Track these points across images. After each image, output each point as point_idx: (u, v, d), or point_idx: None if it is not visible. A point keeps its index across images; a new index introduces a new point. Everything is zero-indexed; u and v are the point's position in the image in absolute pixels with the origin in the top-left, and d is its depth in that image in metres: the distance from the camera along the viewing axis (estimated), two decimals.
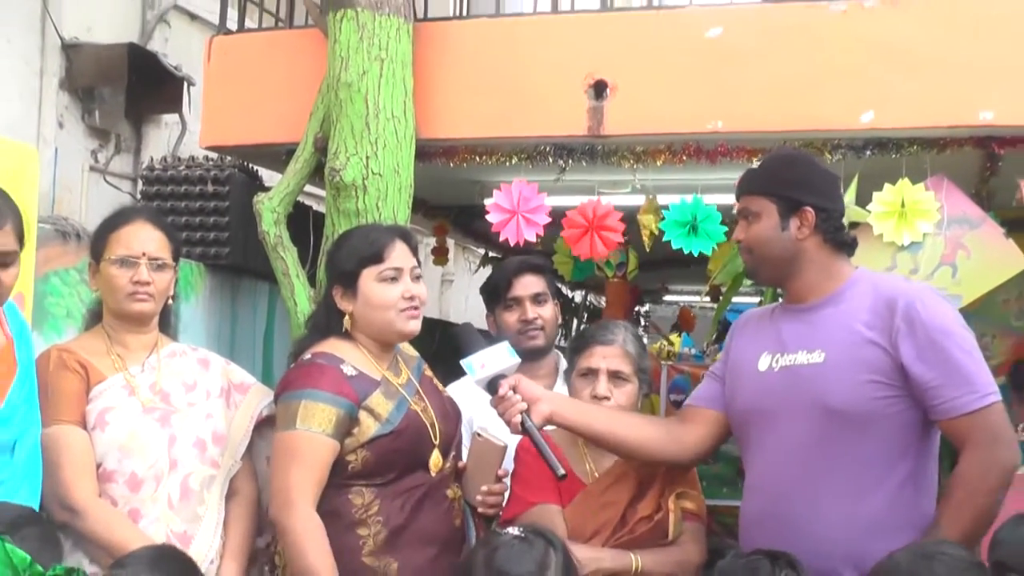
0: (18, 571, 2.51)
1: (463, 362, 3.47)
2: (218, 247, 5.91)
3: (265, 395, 3.77)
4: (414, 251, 3.60)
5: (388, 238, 3.54)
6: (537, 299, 4.49)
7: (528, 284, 4.50)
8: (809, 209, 3.42)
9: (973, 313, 5.71)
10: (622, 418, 3.63)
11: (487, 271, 8.27)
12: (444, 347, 3.71)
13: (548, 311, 4.50)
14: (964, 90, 4.77)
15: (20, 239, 3.14)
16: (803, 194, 3.44)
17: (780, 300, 3.69)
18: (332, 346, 3.50)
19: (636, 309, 10.42)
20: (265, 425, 3.73)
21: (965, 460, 3.22)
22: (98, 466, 3.36)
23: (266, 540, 3.71)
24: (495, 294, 4.62)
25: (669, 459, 3.62)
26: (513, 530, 2.99)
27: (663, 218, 5.20)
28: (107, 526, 3.26)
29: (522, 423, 3.36)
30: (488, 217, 5.29)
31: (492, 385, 3.43)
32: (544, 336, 4.42)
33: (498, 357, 3.47)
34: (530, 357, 4.34)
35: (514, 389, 3.41)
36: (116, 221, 3.58)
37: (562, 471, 3.33)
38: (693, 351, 8.99)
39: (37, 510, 3.26)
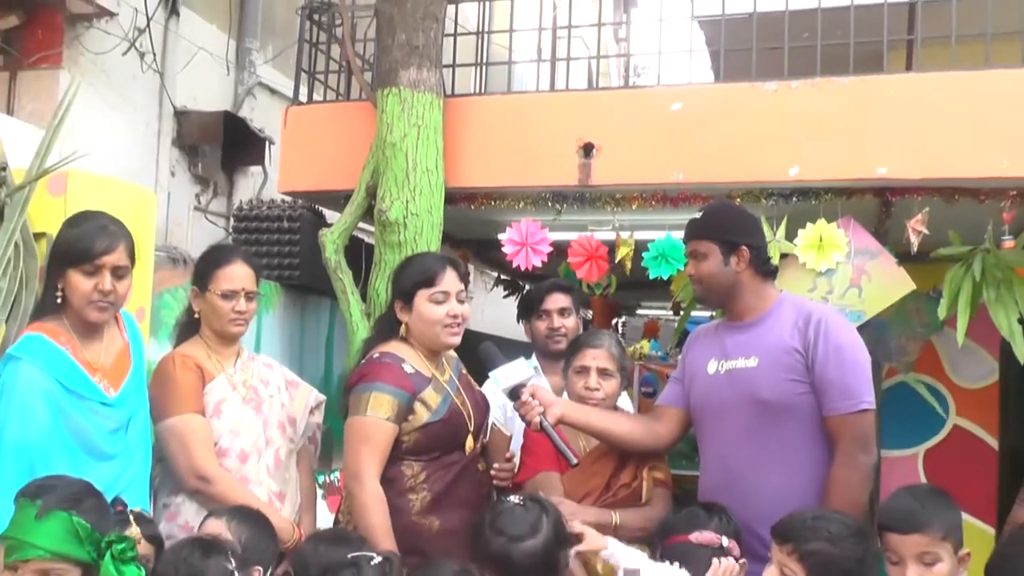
0: (82, 540, 2.50)
1: (491, 374, 3.50)
2: (291, 270, 5.93)
3: (310, 391, 3.88)
4: (462, 278, 3.57)
5: (441, 266, 3.51)
6: (563, 312, 4.50)
7: (556, 300, 4.51)
8: (744, 248, 3.45)
9: (893, 321, 5.78)
10: (613, 417, 3.66)
11: (499, 290, 8.31)
12: (472, 360, 3.73)
13: (571, 322, 4.50)
14: (865, 151, 4.81)
15: (132, 257, 3.20)
16: (738, 236, 3.47)
17: (723, 318, 3.70)
18: (394, 347, 3.50)
19: (615, 320, 10.43)
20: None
21: (836, 461, 3.26)
22: (215, 444, 3.46)
23: None
24: (530, 307, 4.65)
25: (649, 449, 3.65)
26: (514, 498, 3.03)
27: (632, 251, 5.24)
28: (232, 490, 3.38)
29: (540, 423, 3.38)
30: (503, 248, 5.32)
31: (514, 392, 3.44)
32: (567, 342, 4.37)
33: (518, 370, 3.49)
34: (555, 357, 4.38)
35: (532, 396, 3.41)
36: (219, 259, 3.65)
37: (575, 461, 3.36)
38: (659, 353, 9.00)
39: (148, 473, 3.35)
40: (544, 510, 2.94)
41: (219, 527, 3.01)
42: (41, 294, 3.30)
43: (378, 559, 2.72)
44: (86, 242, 3.10)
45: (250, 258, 3.76)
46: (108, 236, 3.12)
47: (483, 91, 5.91)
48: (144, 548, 2.84)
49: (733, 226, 3.50)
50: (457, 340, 3.53)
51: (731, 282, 3.47)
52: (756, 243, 3.49)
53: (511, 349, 3.84)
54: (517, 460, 3.77)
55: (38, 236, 3.60)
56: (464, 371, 3.73)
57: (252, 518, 3.10)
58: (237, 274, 3.61)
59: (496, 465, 3.70)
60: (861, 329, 3.98)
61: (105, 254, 3.10)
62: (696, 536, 3.05)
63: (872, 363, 3.44)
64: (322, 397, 3.90)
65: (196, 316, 3.67)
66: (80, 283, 3.10)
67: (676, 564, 2.98)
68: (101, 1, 6.24)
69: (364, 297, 5.33)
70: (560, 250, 5.43)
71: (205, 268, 3.65)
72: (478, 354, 3.57)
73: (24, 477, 2.83)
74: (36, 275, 3.44)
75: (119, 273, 3.14)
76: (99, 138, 6.09)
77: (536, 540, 2.86)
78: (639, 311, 11.39)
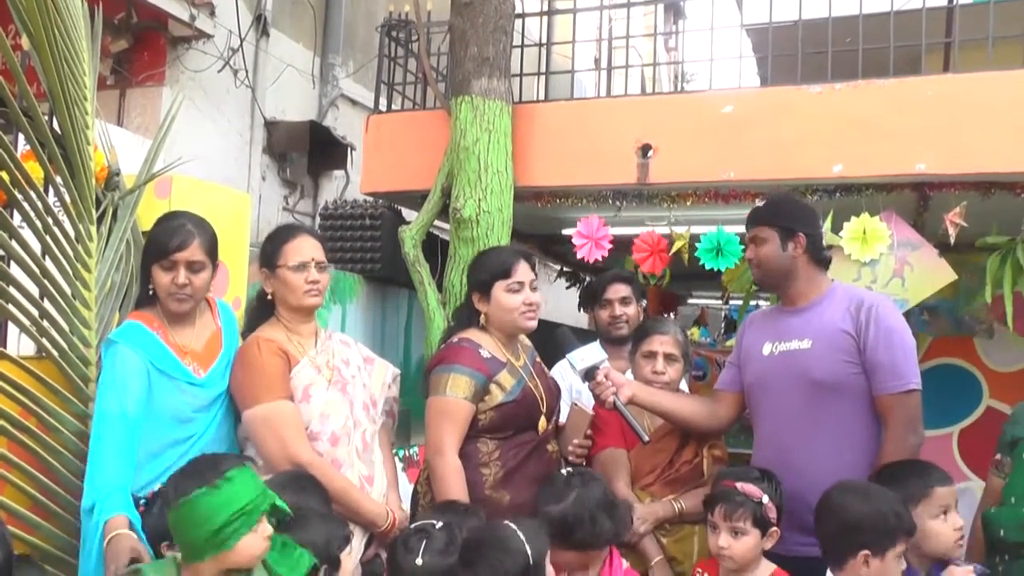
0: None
1: (568, 356, 3.43)
2: (372, 264, 5.92)
3: (387, 367, 3.64)
4: (533, 268, 3.53)
5: (515, 259, 3.47)
6: (624, 301, 4.41)
7: (618, 290, 4.42)
8: (801, 235, 3.38)
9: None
10: (679, 399, 3.60)
11: (561, 281, 8.26)
12: (545, 345, 3.67)
13: (632, 310, 4.42)
14: (905, 149, 4.69)
15: (210, 252, 3.16)
16: (797, 224, 3.40)
17: (777, 304, 3.63)
18: (472, 334, 3.46)
19: (670, 310, 10.33)
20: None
21: (886, 439, 3.19)
22: (305, 429, 3.22)
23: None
24: (593, 297, 4.58)
25: (711, 430, 3.59)
26: (565, 471, 3.09)
27: (687, 245, 5.17)
28: (327, 475, 3.13)
29: (613, 402, 3.34)
30: (572, 240, 5.26)
31: (588, 374, 3.38)
32: (628, 329, 4.32)
33: (593, 353, 3.44)
34: (616, 343, 4.31)
35: (606, 377, 3.37)
36: (286, 235, 3.42)
37: (647, 438, 3.33)
38: (708, 340, 8.91)
39: (233, 446, 3.29)
40: (588, 480, 3.01)
41: None
42: (139, 287, 3.31)
43: (440, 524, 2.70)
44: (163, 241, 3.10)
45: (314, 231, 3.56)
46: (182, 234, 3.10)
47: (547, 98, 5.85)
48: None
49: (792, 215, 3.44)
50: (534, 324, 3.48)
51: (787, 267, 3.40)
52: (812, 232, 3.42)
53: (576, 335, 3.77)
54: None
55: (146, 235, 3.62)
56: (538, 359, 3.67)
57: (294, 482, 2.94)
58: (305, 245, 3.37)
59: (576, 440, 3.66)
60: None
61: (179, 251, 3.08)
62: (742, 485, 3.02)
63: None
64: (397, 371, 3.66)
65: (269, 298, 3.41)
66: (160, 277, 3.11)
67: (719, 505, 3.03)
68: (199, 24, 6.30)
69: (440, 287, 5.31)
70: (619, 244, 5.36)
71: (272, 247, 3.39)
72: (554, 338, 3.52)
73: (121, 443, 2.89)
74: None
75: (195, 268, 3.12)
76: (198, 147, 6.14)
77: (565, 503, 2.91)
78: (689, 300, 11.29)
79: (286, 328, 3.38)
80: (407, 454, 5.58)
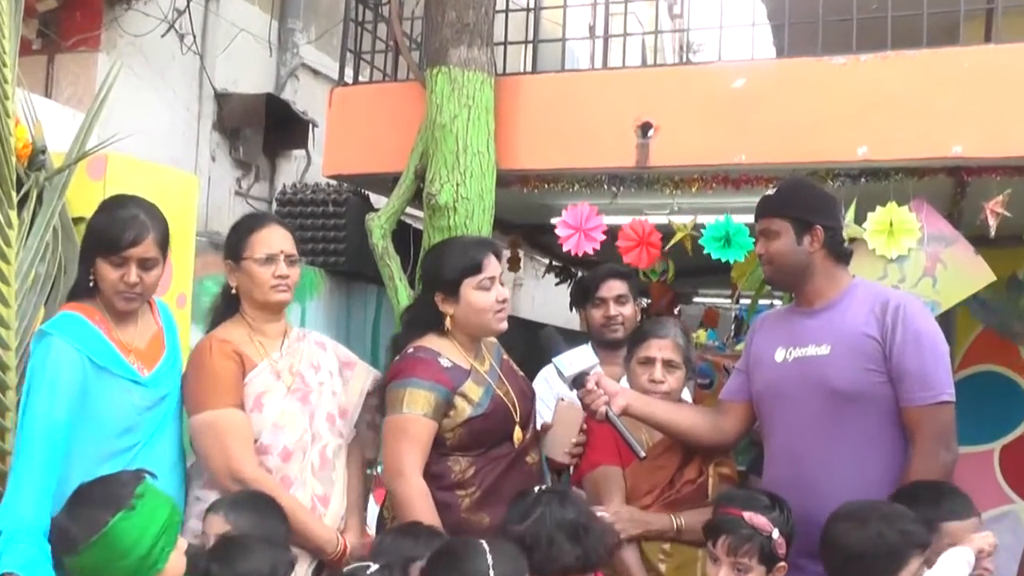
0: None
1: (554, 360, 3.43)
2: (336, 256, 5.93)
3: (369, 372, 3.66)
4: (500, 260, 3.53)
5: (483, 252, 3.46)
6: (619, 300, 4.41)
7: (613, 287, 4.43)
8: (819, 227, 3.36)
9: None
10: (679, 410, 3.59)
11: (551, 276, 8.26)
12: (531, 348, 3.66)
13: (628, 310, 4.42)
14: (939, 128, 4.70)
15: (162, 248, 3.15)
16: (813, 215, 3.38)
17: (792, 304, 3.63)
18: (429, 341, 3.43)
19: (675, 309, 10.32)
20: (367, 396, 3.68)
21: (913, 456, 3.18)
22: (255, 441, 3.25)
23: None
24: (585, 294, 4.57)
25: (713, 445, 3.58)
26: (538, 488, 3.07)
27: (691, 236, 5.18)
28: (273, 495, 3.14)
29: (605, 413, 3.33)
30: (556, 231, 5.27)
31: (577, 381, 3.37)
32: (623, 330, 4.32)
33: (582, 357, 3.43)
34: (610, 347, 4.31)
35: (597, 384, 3.36)
36: (253, 225, 3.46)
37: (643, 453, 3.32)
38: (716, 343, 8.92)
39: (180, 455, 3.30)
40: (556, 500, 2.97)
41: (218, 523, 2.93)
42: (77, 276, 3.27)
43: (374, 568, 2.70)
44: (114, 233, 3.07)
45: (283, 221, 3.58)
46: (136, 227, 3.07)
47: (534, 70, 5.85)
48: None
49: (808, 204, 3.42)
50: (506, 325, 3.48)
51: (803, 263, 3.38)
52: (832, 224, 3.40)
53: (564, 337, 3.76)
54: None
55: (77, 220, 3.60)
56: (505, 356, 3.67)
57: (251, 503, 2.99)
58: (274, 237, 3.40)
59: (573, 440, 3.64)
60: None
61: (132, 246, 3.06)
62: (749, 516, 2.99)
63: None
64: (380, 376, 3.64)
65: (234, 293, 3.46)
66: (107, 273, 3.09)
67: (722, 536, 3.00)
68: None
69: (412, 284, 5.29)
70: (614, 235, 5.36)
71: (238, 237, 3.44)
72: (539, 340, 3.52)
73: (50, 452, 2.85)
74: (75, 260, 3.41)
75: (147, 265, 3.11)
76: (138, 121, 6.09)
77: (525, 523, 2.88)
78: (696, 299, 11.29)
79: (249, 327, 3.41)
80: (372, 472, 5.56)
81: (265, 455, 3.24)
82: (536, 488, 3.08)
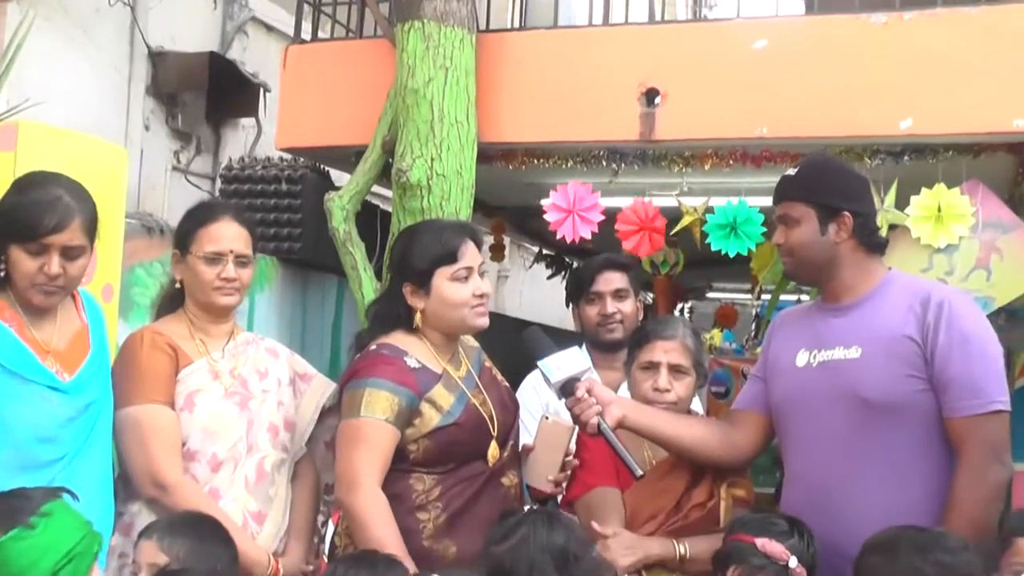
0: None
1: (540, 364, 3.41)
2: (291, 242, 5.93)
3: (327, 386, 3.69)
4: (480, 248, 3.53)
5: (460, 238, 3.45)
6: (618, 294, 4.42)
7: (610, 280, 4.44)
8: (847, 214, 3.35)
9: None
10: (684, 423, 3.59)
11: (541, 267, 8.27)
12: (517, 351, 3.65)
13: (628, 306, 4.43)
14: (999, 98, 4.72)
15: (89, 235, 3.14)
16: (840, 200, 3.37)
17: (817, 300, 3.64)
18: (397, 339, 3.42)
19: (680, 305, 10.37)
20: (325, 413, 3.71)
21: (959, 473, 3.17)
22: (182, 445, 3.29)
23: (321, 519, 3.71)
24: (579, 288, 4.58)
25: (725, 462, 3.57)
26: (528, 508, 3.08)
27: (701, 221, 5.19)
28: (195, 503, 3.18)
29: (598, 425, 3.31)
30: (546, 216, 5.28)
31: (566, 388, 3.37)
32: (623, 330, 4.33)
33: (572, 361, 3.42)
34: (608, 349, 4.34)
35: (589, 392, 3.35)
36: (204, 216, 3.50)
37: (640, 472, 3.30)
38: (733, 346, 8.94)
39: (110, 469, 3.28)
40: (544, 522, 2.91)
41: (151, 551, 2.89)
42: None
43: None
44: (32, 217, 3.04)
45: (242, 215, 3.62)
46: (59, 211, 3.05)
47: (523, 26, 5.87)
48: None
49: (835, 187, 3.41)
50: (486, 322, 3.47)
51: (828, 255, 3.38)
52: (862, 209, 3.40)
53: (556, 339, 3.76)
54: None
55: None
56: (488, 363, 3.66)
57: (191, 528, 2.95)
58: (225, 233, 3.44)
59: (559, 465, 3.56)
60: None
61: (53, 233, 3.03)
62: (763, 543, 3.01)
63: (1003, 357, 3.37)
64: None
65: (178, 286, 3.51)
66: (23, 263, 3.06)
67: (732, 566, 3.01)
68: None
69: (379, 275, 5.31)
70: (615, 220, 5.36)
71: (187, 228, 3.49)
72: (523, 341, 3.51)
73: None
74: None
75: (72, 254, 3.09)
76: (56, 84, 6.09)
77: (505, 544, 2.84)
78: (709, 294, 11.31)
79: (191, 324, 3.47)
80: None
81: (192, 462, 3.28)
82: (526, 508, 3.08)
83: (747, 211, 4.98)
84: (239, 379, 3.45)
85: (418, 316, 3.44)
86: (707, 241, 5.09)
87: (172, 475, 3.22)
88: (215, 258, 3.41)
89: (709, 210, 5.15)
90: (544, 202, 5.35)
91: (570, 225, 5.24)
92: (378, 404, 3.25)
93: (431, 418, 3.31)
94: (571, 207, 5.23)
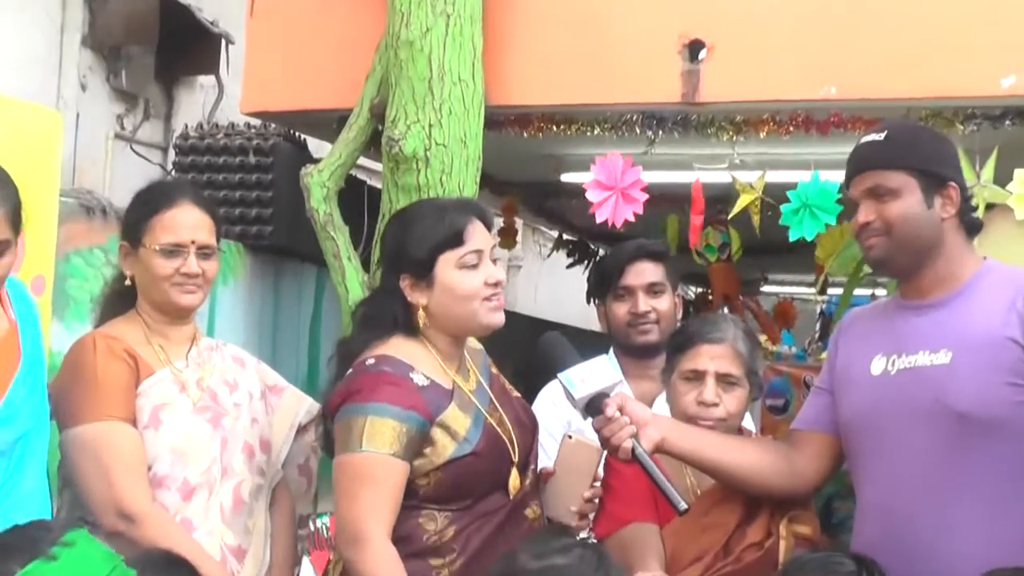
0: None
1: (561, 376, 3.39)
2: (260, 225, 5.96)
3: (301, 400, 3.74)
4: (489, 229, 3.53)
5: (465, 217, 3.44)
6: (652, 289, 4.44)
7: (642, 272, 4.46)
8: (954, 185, 3.35)
9: None
10: (734, 445, 3.59)
11: (560, 256, 8.28)
12: (531, 357, 3.65)
13: (664, 303, 4.45)
14: None
15: (14, 225, 3.14)
16: (946, 168, 3.37)
17: (895, 295, 3.63)
18: (396, 348, 3.40)
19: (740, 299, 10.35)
20: (299, 431, 3.73)
21: None
22: (148, 469, 3.30)
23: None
24: (605, 281, 4.58)
25: (786, 492, 3.59)
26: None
27: (760, 200, 5.18)
28: (166, 536, 3.18)
29: (632, 450, 3.30)
30: (588, 193, 5.25)
31: (592, 405, 3.35)
32: (659, 331, 4.36)
33: (599, 373, 3.41)
34: (641, 354, 4.37)
35: (621, 410, 3.34)
36: (159, 202, 3.51)
37: (684, 505, 3.27)
38: (794, 350, 8.94)
39: (48, 509, 3.30)
40: (581, 553, 2.91)
41: None
42: None
43: None
44: None
45: (203, 199, 3.65)
46: None
47: None
48: None
49: (937, 152, 3.42)
50: (502, 318, 3.46)
51: (934, 235, 3.34)
52: (963, 181, 3.42)
53: (578, 343, 3.76)
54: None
55: None
56: (495, 370, 3.68)
57: (163, 568, 2.90)
58: (184, 221, 3.46)
59: (585, 494, 3.59)
60: None
61: None
62: None
63: None
64: (316, 407, 3.70)
65: (128, 283, 3.53)
66: None
67: None
68: None
69: (366, 264, 5.32)
70: (654, 199, 5.35)
71: (139, 215, 3.51)
72: (538, 349, 3.52)
73: None
74: None
75: None
76: None
77: (538, 563, 2.84)
78: (764, 287, 11.33)
79: (146, 327, 3.50)
80: (312, 529, 5.60)
81: (160, 488, 3.30)
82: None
83: (820, 187, 4.93)
84: (208, 391, 3.47)
85: (420, 315, 3.44)
86: (780, 222, 5.02)
87: (139, 504, 3.22)
88: (173, 250, 3.43)
89: (772, 188, 5.12)
90: (565, 177, 5.34)
91: (611, 206, 5.18)
92: (383, 436, 3.22)
93: (445, 447, 3.31)
94: (616, 183, 5.18)
